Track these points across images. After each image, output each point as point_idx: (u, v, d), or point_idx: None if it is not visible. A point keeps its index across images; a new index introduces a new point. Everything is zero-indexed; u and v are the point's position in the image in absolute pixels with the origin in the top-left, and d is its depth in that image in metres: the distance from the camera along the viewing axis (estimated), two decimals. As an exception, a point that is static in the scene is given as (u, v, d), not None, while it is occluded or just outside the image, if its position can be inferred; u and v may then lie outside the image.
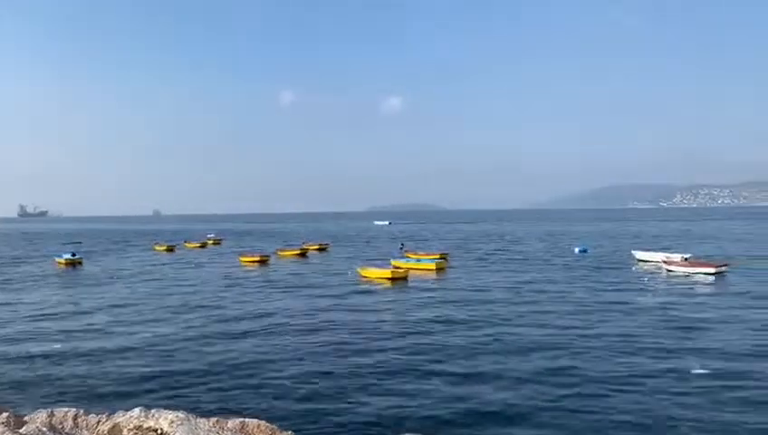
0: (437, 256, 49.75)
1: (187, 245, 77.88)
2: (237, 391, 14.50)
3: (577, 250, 57.10)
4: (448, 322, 22.95)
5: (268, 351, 18.66)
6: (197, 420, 8.36)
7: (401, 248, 62.30)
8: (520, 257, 51.85)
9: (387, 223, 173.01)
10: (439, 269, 42.21)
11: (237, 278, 39.71)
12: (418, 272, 41.24)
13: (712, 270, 36.58)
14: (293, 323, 23.32)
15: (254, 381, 15.32)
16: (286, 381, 15.21)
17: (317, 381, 15.26)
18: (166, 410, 7.19)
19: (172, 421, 7.10)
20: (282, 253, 60.52)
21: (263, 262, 51.33)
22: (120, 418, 7.29)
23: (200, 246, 76.93)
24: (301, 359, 17.53)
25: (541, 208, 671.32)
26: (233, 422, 8.17)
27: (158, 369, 16.68)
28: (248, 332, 21.70)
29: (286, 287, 34.36)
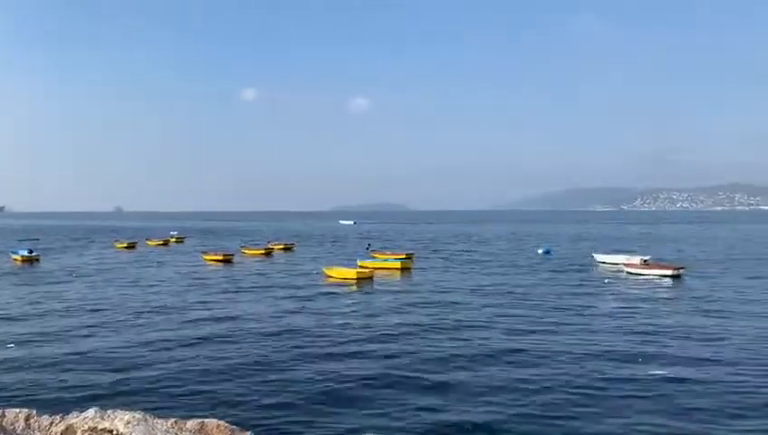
0: (403, 256, 49.94)
1: (148, 242, 76.48)
2: (197, 395, 14.22)
3: (541, 251, 58.02)
4: (412, 325, 22.75)
5: (230, 354, 18.36)
6: (155, 420, 8.20)
7: (368, 248, 62.34)
8: (485, 258, 52.41)
9: (352, 223, 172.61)
10: (404, 269, 42.36)
11: (200, 277, 39.17)
12: (384, 272, 41.32)
13: (669, 272, 37.54)
14: (256, 324, 22.99)
15: (213, 385, 15.06)
16: (247, 385, 14.96)
17: (279, 385, 15.09)
18: (122, 411, 7.02)
19: (128, 422, 6.94)
20: (246, 251, 59.95)
21: (226, 260, 50.75)
22: (73, 419, 7.10)
23: (162, 244, 75.65)
24: (263, 363, 17.21)
25: (507, 210, 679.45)
26: (192, 423, 8.04)
27: (115, 371, 16.23)
28: (210, 333, 21.31)
29: (250, 287, 34.02)
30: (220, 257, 51.60)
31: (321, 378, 15.43)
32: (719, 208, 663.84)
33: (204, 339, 20.13)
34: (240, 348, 18.94)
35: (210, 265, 48.45)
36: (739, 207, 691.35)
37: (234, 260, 51.15)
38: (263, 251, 59.44)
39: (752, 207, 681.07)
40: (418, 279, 37.25)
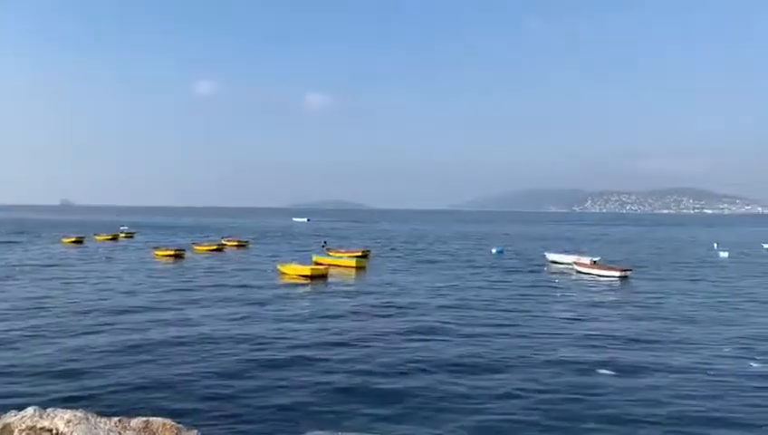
0: (359, 254, 49.95)
1: (97, 237, 74.27)
2: (141, 397, 13.86)
3: (494, 251, 58.91)
4: (363, 326, 22.72)
5: (176, 356, 17.96)
6: (98, 419, 7.99)
7: (323, 246, 62.11)
8: (440, 257, 52.86)
9: (305, 220, 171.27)
10: (359, 267, 42.36)
11: (149, 273, 38.28)
12: (339, 269, 41.26)
13: (617, 274, 38.63)
14: (205, 324, 22.52)
15: (159, 384, 14.76)
16: (193, 385, 14.70)
17: (224, 387, 14.87)
18: (62, 410, 6.81)
19: (69, 421, 6.75)
20: (198, 247, 58.89)
21: (178, 256, 49.79)
22: (11, 418, 6.85)
23: (111, 239, 73.65)
24: (210, 365, 16.84)
25: (463, 210, 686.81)
26: (136, 421, 7.86)
27: (57, 375, 15.63)
28: (156, 333, 20.71)
29: (201, 284, 33.38)
30: (171, 253, 50.56)
31: (269, 381, 15.25)
32: (666, 211, 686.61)
33: (150, 339, 19.47)
34: (187, 349, 18.44)
35: (160, 260, 47.43)
36: (685, 211, 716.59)
37: (185, 256, 50.21)
38: (215, 247, 58.49)
39: (696, 211, 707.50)
40: (373, 277, 37.31)
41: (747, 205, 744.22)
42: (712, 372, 16.12)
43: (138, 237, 78.92)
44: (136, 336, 19.78)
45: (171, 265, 43.59)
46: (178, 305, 26.18)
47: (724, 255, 57.37)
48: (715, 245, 69.62)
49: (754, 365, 17.00)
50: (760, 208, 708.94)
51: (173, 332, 20.61)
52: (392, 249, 62.05)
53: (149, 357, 17.14)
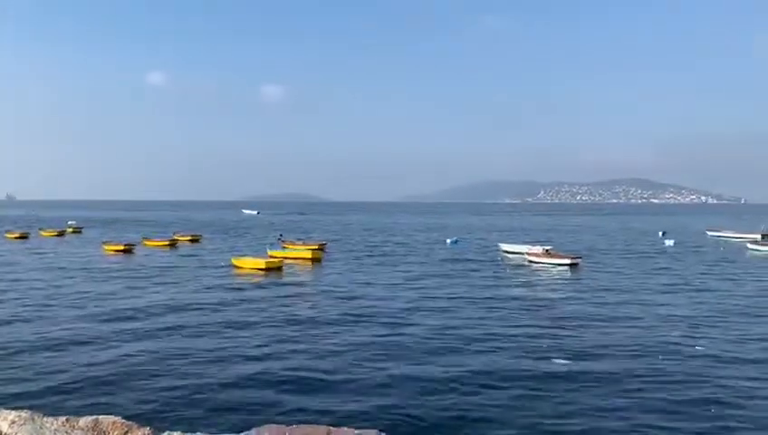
0: (315, 247, 49.74)
1: (43, 233, 71.80)
2: (89, 394, 13.58)
3: (449, 242, 59.55)
4: (315, 320, 22.50)
5: (126, 348, 17.69)
6: (44, 419, 7.83)
7: (279, 239, 61.58)
8: (396, 249, 53.15)
9: (255, 212, 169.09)
10: (315, 259, 42.23)
11: (97, 269, 37.29)
12: (294, 262, 41.03)
13: (567, 261, 39.63)
14: (155, 319, 22.08)
15: (108, 382, 14.46)
16: (144, 382, 14.46)
17: (174, 381, 14.70)
18: (5, 410, 6.64)
19: (13, 422, 6.56)
20: (149, 242, 57.52)
21: (127, 251, 48.62)
22: (-50, 420, 6.63)
23: (58, 235, 71.27)
24: (161, 361, 16.55)
25: (420, 202, 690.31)
26: (85, 420, 7.74)
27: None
28: (104, 330, 20.26)
29: (151, 278, 32.69)
30: (121, 248, 49.35)
31: (221, 376, 15.14)
32: (615, 201, 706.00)
33: (99, 336, 19.01)
34: (137, 341, 18.21)
35: (109, 256, 46.23)
36: (633, 201, 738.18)
37: (135, 251, 49.07)
38: (167, 242, 57.21)
39: (644, 201, 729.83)
40: (329, 270, 37.25)
41: (692, 194, 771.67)
42: (662, 357, 16.73)
43: (86, 232, 76.67)
44: (73, 330, 19.31)
45: (121, 261, 42.53)
46: (124, 300, 25.62)
47: (669, 243, 59.41)
48: (661, 233, 72.00)
49: (699, 348, 17.71)
50: (704, 198, 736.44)
51: (118, 325, 20.24)
52: (348, 242, 62.03)
53: (93, 353, 16.75)
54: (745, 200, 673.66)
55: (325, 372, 15.16)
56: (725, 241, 64.14)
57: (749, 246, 53.91)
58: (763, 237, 62.81)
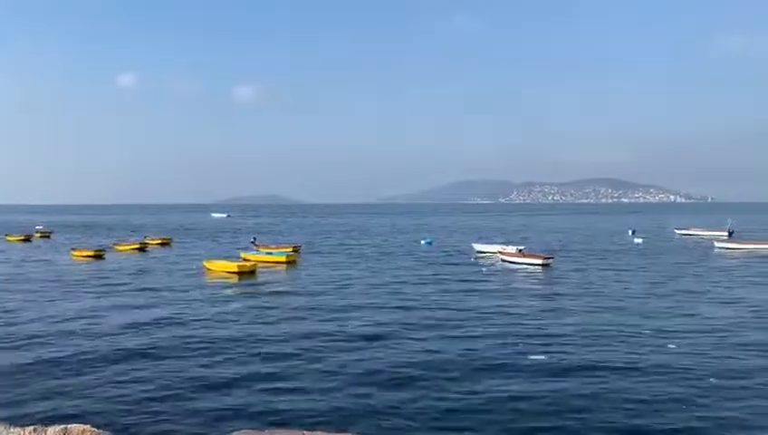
0: (289, 249, 49.50)
1: (8, 238, 70.24)
2: (58, 404, 13.33)
3: (423, 242, 59.82)
4: (288, 328, 22.27)
5: (95, 357, 17.37)
6: (11, 428, 7.65)
7: (253, 241, 61.21)
8: (370, 251, 53.15)
9: (225, 215, 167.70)
10: (290, 262, 42.00)
11: (67, 275, 36.51)
12: (268, 265, 40.77)
13: (540, 261, 40.08)
14: (125, 327, 21.56)
15: (75, 391, 14.20)
16: (111, 391, 14.20)
17: (146, 388, 14.50)
18: (-31, 422, 6.48)
19: (-23, 433, 6.43)
20: (120, 247, 56.68)
21: (97, 256, 47.79)
22: None
23: (24, 240, 69.77)
24: (130, 369, 16.38)
25: (395, 203, 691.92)
26: (54, 429, 7.58)
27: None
28: (72, 338, 19.80)
29: (120, 285, 32.17)
30: (90, 253, 48.51)
31: (193, 381, 14.96)
32: (586, 201, 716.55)
33: (67, 345, 18.52)
34: (108, 351, 17.85)
35: (79, 261, 45.41)
36: (603, 200, 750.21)
37: (106, 256, 48.26)
38: (137, 246, 56.43)
39: (614, 200, 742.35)
40: (304, 273, 37.05)
41: (661, 193, 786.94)
42: (635, 355, 16.99)
43: (55, 237, 75.24)
44: (46, 346, 18.88)
45: (91, 267, 41.76)
46: (94, 306, 25.11)
47: (638, 241, 60.46)
48: (630, 232, 73.24)
49: (671, 346, 18.05)
50: (673, 197, 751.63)
51: (85, 335, 19.81)
52: (323, 244, 61.84)
53: (65, 364, 16.39)
54: (712, 199, 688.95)
55: (296, 377, 15.09)
56: (693, 238, 65.50)
57: (716, 243, 55.13)
58: (729, 235, 64.37)
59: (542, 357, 16.69)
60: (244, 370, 15.65)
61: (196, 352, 17.47)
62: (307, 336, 19.45)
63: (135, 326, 21.19)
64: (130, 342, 18.81)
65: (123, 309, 24.71)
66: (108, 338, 19.34)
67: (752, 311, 23.82)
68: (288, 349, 17.82)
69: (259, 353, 17.27)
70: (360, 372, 15.41)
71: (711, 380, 14.63)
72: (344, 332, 20.15)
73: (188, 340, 19.03)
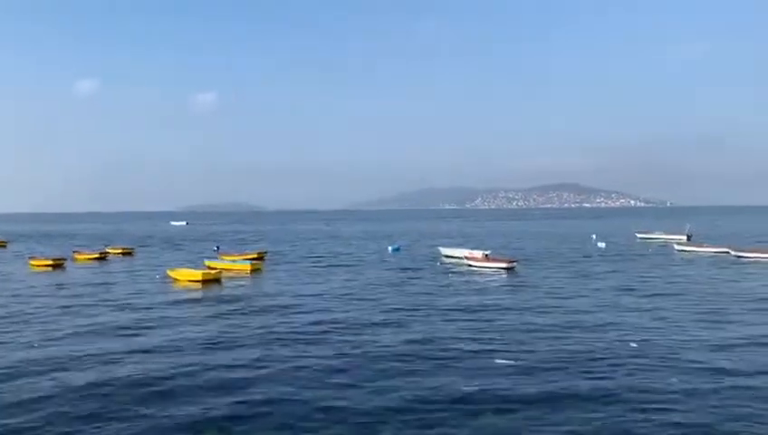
0: (253, 257, 48.93)
1: (-38, 248, 67.89)
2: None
3: (390, 249, 59.74)
4: (252, 337, 21.69)
5: (50, 367, 16.84)
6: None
7: (216, 249, 60.35)
8: (338, 258, 52.87)
9: (184, 223, 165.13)
10: (255, 270, 41.49)
11: (23, 285, 35.39)
12: (233, 273, 40.19)
13: (504, 265, 40.51)
14: (86, 338, 21.13)
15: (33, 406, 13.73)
16: (63, 407, 13.80)
17: (105, 404, 14.10)
18: None
19: None
20: (80, 256, 55.21)
21: (57, 266, 46.48)
22: None
23: (-21, 250, 67.51)
24: (94, 385, 15.89)
25: (361, 210, 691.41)
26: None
27: None
28: (26, 355, 19.21)
29: (79, 296, 31.27)
30: (49, 263, 47.14)
31: (157, 394, 14.62)
32: (549, 206, 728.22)
33: (21, 362, 17.64)
34: (63, 372, 17.26)
35: (37, 271, 44.07)
36: (566, 205, 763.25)
37: (65, 266, 46.96)
38: (98, 255, 55.06)
39: (576, 205, 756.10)
40: (269, 281, 36.59)
41: (622, 198, 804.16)
42: (599, 354, 17.28)
43: (11, 247, 72.94)
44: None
45: (49, 276, 40.55)
46: (53, 318, 24.37)
47: (601, 245, 61.52)
48: (593, 236, 74.49)
49: (633, 345, 18.36)
50: (633, 201, 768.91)
51: (42, 348, 19.19)
52: (289, 251, 61.32)
53: (11, 380, 15.84)
54: (671, 203, 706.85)
55: (256, 383, 14.86)
56: (654, 242, 66.97)
57: (676, 246, 56.47)
58: (688, 238, 66.01)
59: (506, 360, 16.82)
60: (205, 377, 15.35)
61: (156, 362, 17.07)
62: (268, 343, 19.22)
63: (94, 335, 20.64)
64: (89, 351, 18.28)
65: (82, 319, 24.01)
66: (64, 350, 18.74)
67: (709, 309, 24.60)
68: (250, 356, 17.56)
69: (219, 364, 16.97)
70: (322, 373, 15.27)
71: (673, 380, 14.92)
72: (305, 337, 19.95)
73: (149, 350, 18.59)
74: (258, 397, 13.90)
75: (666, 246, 59.86)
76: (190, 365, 16.66)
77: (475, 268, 41.42)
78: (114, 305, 27.46)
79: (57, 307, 27.06)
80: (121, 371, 16.19)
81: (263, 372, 15.98)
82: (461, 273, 39.29)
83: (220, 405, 13.34)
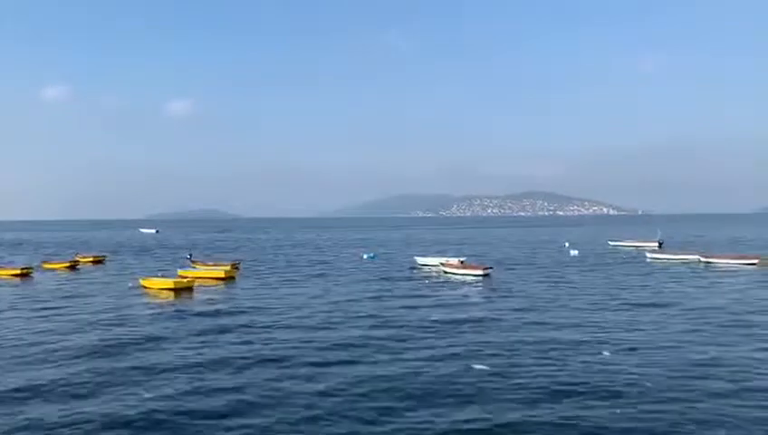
0: (227, 266, 48.36)
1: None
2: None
3: (366, 256, 59.58)
4: (221, 353, 21.04)
5: (18, 387, 16.35)
6: None
7: (189, 258, 59.56)
8: (312, 266, 52.49)
9: (154, 231, 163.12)
10: (228, 278, 40.98)
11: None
12: (206, 282, 39.61)
13: (480, 272, 40.68)
14: (52, 349, 20.55)
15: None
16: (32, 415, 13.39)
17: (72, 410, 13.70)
18: None
19: None
20: (49, 265, 53.96)
21: (24, 275, 45.33)
22: None
23: (-57, 260, 65.56)
24: (62, 396, 15.51)
25: (334, 217, 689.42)
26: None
27: None
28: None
29: (48, 307, 30.45)
30: (16, 272, 45.97)
31: (120, 403, 14.27)
32: (523, 214, 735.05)
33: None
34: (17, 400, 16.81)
35: (4, 281, 42.90)
36: (540, 213, 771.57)
37: (33, 276, 45.82)
38: (68, 264, 53.88)
39: (550, 213, 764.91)
40: (242, 290, 36.04)
41: (594, 206, 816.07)
42: (571, 363, 17.35)
43: (-25, 256, 71.01)
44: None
45: (16, 286, 39.50)
46: (19, 331, 23.71)
47: (574, 252, 62.16)
48: (567, 244, 75.25)
49: (606, 353, 18.47)
50: (605, 209, 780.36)
51: (7, 367, 18.65)
52: (263, 259, 60.77)
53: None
54: (642, 211, 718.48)
55: (215, 394, 14.61)
56: (626, 250, 67.87)
57: (647, 253, 57.30)
58: (659, 245, 67.05)
59: (483, 366, 16.90)
60: (174, 386, 15.04)
61: (121, 378, 16.67)
62: (239, 355, 18.93)
63: (63, 349, 20.13)
64: (49, 377, 17.79)
65: (51, 331, 23.41)
66: (24, 375, 18.22)
67: (679, 313, 25.08)
68: (222, 366, 17.27)
69: (192, 377, 16.66)
70: (289, 391, 15.07)
71: (647, 383, 15.05)
72: (275, 351, 19.61)
73: (120, 364, 18.19)
74: (221, 411, 13.66)
75: (638, 253, 60.70)
76: (156, 376, 16.33)
77: (451, 275, 41.49)
78: (83, 318, 26.68)
79: (21, 320, 26.21)
80: (89, 402, 15.77)
81: (238, 393, 15.72)
82: (437, 279, 39.30)
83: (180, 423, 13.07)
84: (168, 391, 14.95)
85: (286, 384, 15.39)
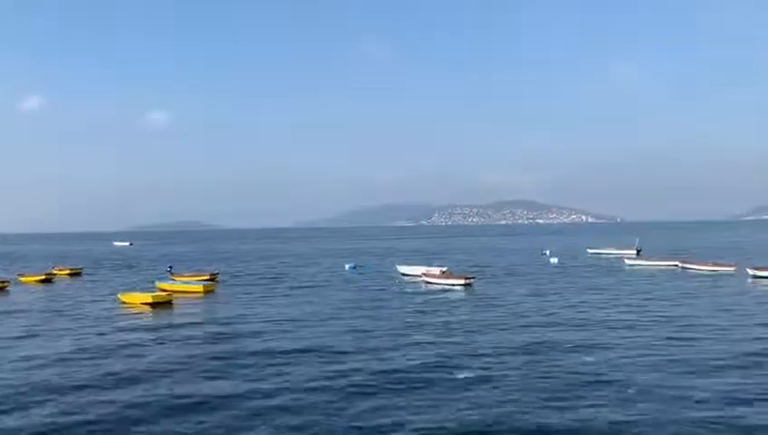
0: (206, 278, 47.84)
1: None
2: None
3: (347, 267, 59.29)
4: (198, 366, 19.98)
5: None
6: None
7: (169, 270, 58.81)
8: (292, 277, 52.15)
9: (128, 244, 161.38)
10: (207, 291, 40.42)
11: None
12: (185, 295, 39.06)
13: (462, 282, 40.72)
14: (23, 369, 20.07)
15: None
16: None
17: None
18: None
19: None
20: (24, 278, 52.88)
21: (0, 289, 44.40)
22: None
23: None
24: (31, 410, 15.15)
25: (314, 227, 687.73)
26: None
27: None
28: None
29: (23, 319, 29.89)
30: (-9, 286, 44.97)
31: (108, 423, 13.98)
32: (504, 222, 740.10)
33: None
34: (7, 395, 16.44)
35: (-23, 296, 41.92)
36: (520, 221, 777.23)
37: (8, 289, 44.88)
38: (44, 277, 52.85)
39: (530, 221, 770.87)
40: (222, 303, 35.53)
41: (573, 214, 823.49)
42: (557, 368, 17.49)
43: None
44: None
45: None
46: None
47: (554, 260, 62.59)
48: (547, 252, 75.74)
49: (588, 359, 18.60)
50: (584, 217, 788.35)
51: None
52: (243, 271, 60.28)
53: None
54: (620, 219, 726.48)
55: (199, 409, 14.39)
56: (605, 257, 68.51)
57: (626, 260, 57.90)
58: (638, 252, 67.79)
59: (466, 374, 17.02)
60: (151, 409, 14.77)
61: (105, 391, 16.35)
62: (218, 371, 18.69)
63: (38, 366, 19.68)
64: (36, 379, 17.39)
65: (26, 346, 22.91)
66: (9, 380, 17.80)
67: (657, 318, 25.60)
68: (200, 383, 17.04)
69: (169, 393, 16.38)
70: (285, 397, 14.91)
71: (629, 390, 15.14)
72: (253, 364, 19.30)
73: (97, 379, 17.83)
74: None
75: (617, 260, 61.31)
76: (135, 399, 16.03)
77: (433, 285, 41.47)
78: (58, 333, 26.13)
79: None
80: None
81: (211, 405, 15.49)
82: (419, 289, 39.28)
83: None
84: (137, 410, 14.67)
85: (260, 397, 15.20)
